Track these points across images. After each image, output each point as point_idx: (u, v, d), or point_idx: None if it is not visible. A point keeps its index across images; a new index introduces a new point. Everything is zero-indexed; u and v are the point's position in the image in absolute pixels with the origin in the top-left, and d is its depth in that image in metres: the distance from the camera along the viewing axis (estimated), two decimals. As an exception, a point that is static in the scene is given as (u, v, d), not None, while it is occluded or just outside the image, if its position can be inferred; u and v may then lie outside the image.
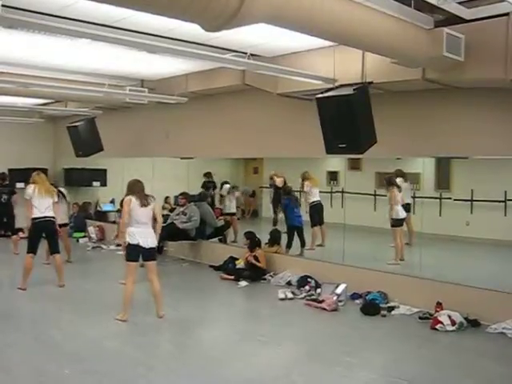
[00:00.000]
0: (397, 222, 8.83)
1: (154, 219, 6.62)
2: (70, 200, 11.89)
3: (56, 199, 8.27)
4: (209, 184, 11.79)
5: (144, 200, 6.39)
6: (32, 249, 8.00)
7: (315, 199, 9.86)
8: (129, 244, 6.36)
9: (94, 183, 14.06)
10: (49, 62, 8.42)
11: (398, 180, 9.02)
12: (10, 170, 13.41)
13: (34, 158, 14.05)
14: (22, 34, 6.24)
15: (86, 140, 11.04)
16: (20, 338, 5.88)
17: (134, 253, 6.38)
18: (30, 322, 6.63)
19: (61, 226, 9.04)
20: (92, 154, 11.26)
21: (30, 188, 8.05)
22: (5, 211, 12.36)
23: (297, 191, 10.16)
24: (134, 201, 6.35)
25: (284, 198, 9.92)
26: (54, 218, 8.13)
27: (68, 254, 9.99)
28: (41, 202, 7.98)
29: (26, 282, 7.87)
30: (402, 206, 8.94)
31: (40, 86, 8.78)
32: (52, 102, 12.50)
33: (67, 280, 8.12)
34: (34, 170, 12.33)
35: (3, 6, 4.06)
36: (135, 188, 6.47)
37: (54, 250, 8.27)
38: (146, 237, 6.37)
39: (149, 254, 6.45)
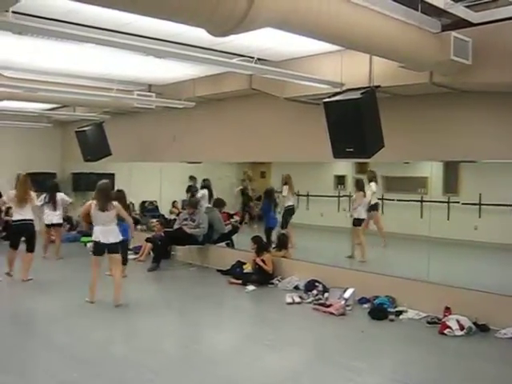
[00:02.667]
0: (359, 222, 9.39)
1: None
2: (73, 203, 12.06)
3: (35, 203, 8.96)
4: (193, 188, 11.92)
5: (104, 206, 7.22)
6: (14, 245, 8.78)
7: (290, 203, 10.22)
8: (93, 241, 7.42)
9: (104, 184, 14.05)
10: (57, 67, 8.48)
11: (372, 184, 9.58)
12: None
13: (43, 162, 14.13)
14: (30, 39, 6.27)
15: (94, 145, 11.08)
16: (30, 342, 5.90)
17: (97, 248, 7.34)
18: (38, 326, 6.65)
19: (54, 225, 10.66)
20: (100, 159, 11.30)
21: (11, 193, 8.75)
22: None
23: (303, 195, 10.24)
24: (93, 206, 7.25)
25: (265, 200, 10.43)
26: (32, 220, 8.75)
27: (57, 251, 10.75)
28: (19, 206, 8.63)
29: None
30: (371, 205, 9.57)
31: (48, 90, 8.83)
32: (60, 107, 12.56)
33: (72, 281, 8.14)
34: (43, 174, 12.52)
35: (13, 12, 4.09)
36: (98, 196, 7.32)
37: (29, 248, 8.80)
38: (107, 235, 7.23)
39: (111, 248, 7.28)
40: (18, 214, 8.67)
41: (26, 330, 6.45)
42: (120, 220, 7.62)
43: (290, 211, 10.23)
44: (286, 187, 10.15)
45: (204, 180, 11.83)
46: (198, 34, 5.33)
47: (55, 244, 10.88)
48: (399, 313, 6.90)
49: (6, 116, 12.37)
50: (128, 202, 9.56)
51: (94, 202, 7.29)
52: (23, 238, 8.84)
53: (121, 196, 8.66)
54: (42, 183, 11.48)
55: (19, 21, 4.36)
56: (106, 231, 7.24)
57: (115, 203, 7.37)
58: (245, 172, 11.97)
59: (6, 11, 4.00)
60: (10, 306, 7.74)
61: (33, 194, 8.84)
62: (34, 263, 8.86)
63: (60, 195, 10.91)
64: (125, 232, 8.02)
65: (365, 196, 9.52)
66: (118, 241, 7.35)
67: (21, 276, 8.61)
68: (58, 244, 10.89)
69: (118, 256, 7.45)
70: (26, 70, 8.57)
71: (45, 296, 7.96)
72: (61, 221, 11.07)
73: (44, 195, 10.70)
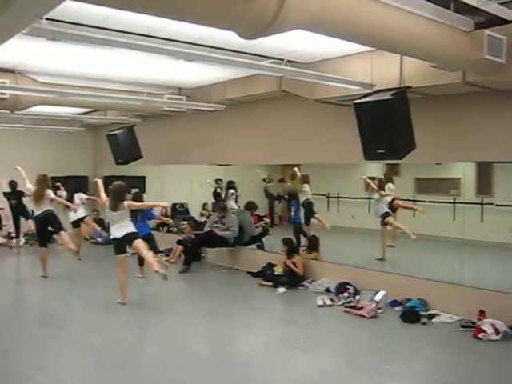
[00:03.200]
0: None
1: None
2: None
3: (52, 196, 9.43)
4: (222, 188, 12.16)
5: (115, 206, 7.49)
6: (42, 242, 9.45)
7: (311, 198, 10.51)
8: (111, 240, 7.74)
9: (133, 190, 14.24)
10: (89, 72, 8.62)
11: (390, 184, 9.67)
12: (52, 178, 13.68)
13: (75, 166, 14.39)
14: (63, 45, 6.38)
15: (126, 148, 11.23)
16: (63, 341, 6.01)
17: (117, 246, 7.58)
18: (70, 325, 6.75)
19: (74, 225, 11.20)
20: (131, 162, 11.44)
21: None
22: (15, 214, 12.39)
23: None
24: (107, 204, 7.60)
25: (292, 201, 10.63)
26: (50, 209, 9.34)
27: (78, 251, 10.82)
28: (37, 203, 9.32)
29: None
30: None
31: (81, 95, 8.99)
32: (92, 111, 12.76)
33: (103, 283, 8.25)
34: (75, 178, 12.82)
35: (47, 19, 4.17)
36: (110, 196, 7.62)
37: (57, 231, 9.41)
38: (121, 229, 7.50)
39: (129, 238, 7.51)
40: (36, 211, 9.41)
41: (58, 329, 6.57)
42: (142, 217, 8.11)
43: (310, 205, 10.44)
44: (306, 185, 10.38)
45: (229, 182, 11.93)
46: (227, 37, 5.36)
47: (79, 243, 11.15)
48: (432, 316, 6.81)
49: (40, 120, 12.63)
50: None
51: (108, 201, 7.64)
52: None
53: (137, 198, 9.20)
54: (75, 186, 11.76)
55: (53, 27, 4.45)
56: (120, 227, 7.52)
57: (126, 202, 7.57)
58: (268, 176, 12.01)
59: (40, 18, 4.08)
60: (41, 304, 7.96)
61: (49, 191, 9.39)
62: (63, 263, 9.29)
63: (77, 195, 11.36)
64: (146, 228, 8.87)
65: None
66: (134, 231, 7.58)
67: (68, 247, 9.18)
68: (77, 243, 11.04)
69: (139, 240, 7.55)
70: (60, 75, 8.73)
71: (73, 294, 8.13)
72: (83, 214, 11.42)
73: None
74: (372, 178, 9.87)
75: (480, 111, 6.78)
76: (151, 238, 9.27)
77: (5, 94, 8.49)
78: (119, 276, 7.59)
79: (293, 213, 10.48)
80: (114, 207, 7.50)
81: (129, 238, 7.52)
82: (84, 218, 11.51)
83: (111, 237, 7.68)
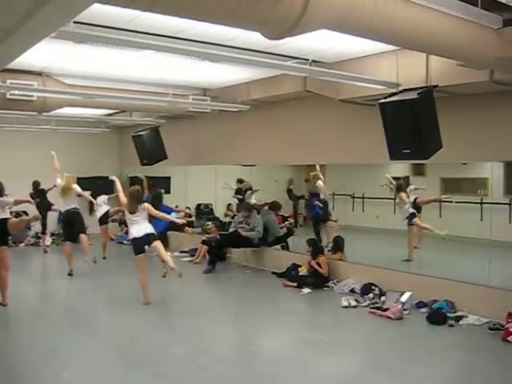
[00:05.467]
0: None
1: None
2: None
3: (78, 191, 9.81)
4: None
5: (132, 209, 7.70)
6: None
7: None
8: (130, 241, 7.96)
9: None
10: (114, 74, 8.71)
11: (410, 186, 9.78)
12: (78, 179, 13.86)
13: (101, 166, 14.52)
14: (89, 47, 6.47)
15: (151, 149, 11.33)
16: (90, 340, 6.09)
17: (135, 246, 7.73)
18: (96, 324, 6.83)
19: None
20: (156, 163, 11.53)
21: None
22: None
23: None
24: (126, 207, 7.81)
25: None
26: (76, 208, 9.78)
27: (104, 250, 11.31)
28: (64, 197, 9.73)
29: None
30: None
31: (106, 96, 9.10)
32: (118, 112, 12.89)
33: (128, 282, 8.32)
34: (101, 178, 13.04)
35: (75, 22, 4.23)
36: (128, 199, 7.81)
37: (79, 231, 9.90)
38: (140, 230, 7.64)
39: (148, 239, 7.66)
40: (63, 205, 9.87)
41: (84, 327, 6.65)
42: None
43: (326, 203, 10.78)
44: (321, 182, 10.70)
45: (239, 181, 12.19)
46: (252, 38, 5.38)
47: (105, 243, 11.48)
48: (459, 318, 6.71)
49: (67, 122, 12.80)
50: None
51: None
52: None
53: (157, 197, 9.86)
54: (100, 187, 11.90)
55: (80, 30, 4.52)
56: (139, 227, 7.66)
57: (144, 205, 7.74)
58: (291, 178, 12.04)
59: (68, 21, 4.14)
60: (67, 302, 8.13)
61: (75, 185, 9.77)
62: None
63: (100, 197, 11.63)
64: (161, 225, 9.20)
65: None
66: (153, 232, 7.72)
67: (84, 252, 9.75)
68: (103, 241, 11.41)
69: (158, 242, 7.73)
70: (86, 77, 8.85)
71: (99, 292, 8.23)
72: (102, 212, 11.55)
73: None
74: (397, 178, 9.80)
75: (508, 110, 6.67)
76: (165, 235, 9.75)
77: (32, 96, 8.64)
78: (140, 276, 7.68)
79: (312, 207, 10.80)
80: (131, 210, 7.69)
81: (148, 239, 7.67)
82: (107, 213, 11.62)
83: (130, 237, 7.83)
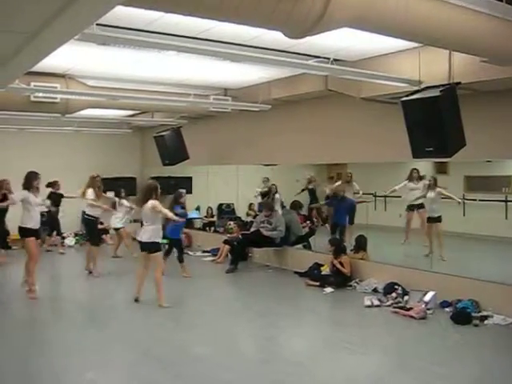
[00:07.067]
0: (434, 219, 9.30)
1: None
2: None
3: (90, 196, 9.50)
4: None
5: (139, 202, 7.74)
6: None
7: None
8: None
9: (180, 191, 14.40)
10: (136, 75, 8.79)
11: (424, 181, 9.64)
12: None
13: (123, 167, 14.65)
14: (111, 49, 6.52)
15: (172, 149, 11.39)
16: (111, 341, 6.13)
17: (141, 247, 7.64)
18: (117, 325, 6.86)
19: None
20: (178, 163, 11.60)
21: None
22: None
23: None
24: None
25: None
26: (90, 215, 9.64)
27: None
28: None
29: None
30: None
31: (128, 98, 9.19)
32: (139, 113, 12.99)
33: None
34: (123, 179, 13.08)
35: (97, 24, 4.28)
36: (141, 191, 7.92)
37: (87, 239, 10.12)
38: (142, 233, 7.58)
39: (145, 246, 7.54)
40: (86, 208, 9.68)
41: (106, 327, 6.70)
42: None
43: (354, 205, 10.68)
44: (339, 182, 10.74)
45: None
46: (273, 37, 5.39)
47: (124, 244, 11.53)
48: (484, 317, 6.63)
49: (90, 123, 12.95)
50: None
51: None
52: None
53: (177, 198, 9.79)
54: (123, 187, 11.98)
55: (103, 32, 4.56)
56: (144, 230, 7.58)
57: (151, 202, 7.41)
58: (312, 176, 11.96)
59: (92, 24, 4.18)
60: (88, 302, 8.22)
61: (89, 191, 9.50)
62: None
63: (120, 201, 11.53)
64: (176, 232, 9.26)
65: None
66: (150, 241, 7.43)
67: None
68: (126, 243, 11.42)
69: (154, 255, 7.51)
70: (108, 78, 8.94)
71: (121, 292, 8.28)
72: (118, 225, 11.46)
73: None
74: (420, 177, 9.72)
75: (533, 107, 6.59)
76: (179, 245, 9.63)
77: (56, 98, 8.75)
78: (155, 276, 7.46)
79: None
80: (139, 204, 7.68)
81: (145, 247, 7.53)
82: (119, 229, 11.52)
83: (138, 238, 7.79)
